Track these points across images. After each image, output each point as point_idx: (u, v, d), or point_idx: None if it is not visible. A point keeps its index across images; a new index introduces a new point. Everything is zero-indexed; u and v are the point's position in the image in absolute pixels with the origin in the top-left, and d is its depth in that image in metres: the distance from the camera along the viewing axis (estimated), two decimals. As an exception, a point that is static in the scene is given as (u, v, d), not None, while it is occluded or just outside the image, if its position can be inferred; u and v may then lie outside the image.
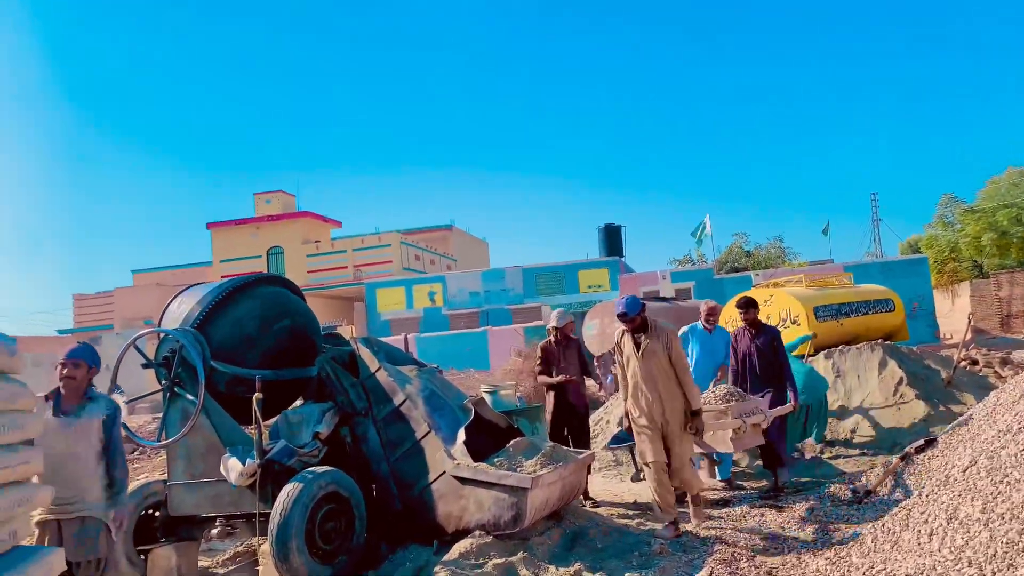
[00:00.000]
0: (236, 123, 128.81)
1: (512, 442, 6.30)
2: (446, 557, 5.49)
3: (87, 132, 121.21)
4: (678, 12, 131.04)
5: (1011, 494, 4.29)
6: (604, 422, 10.61)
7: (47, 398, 4.56)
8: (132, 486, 5.04)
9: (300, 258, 38.68)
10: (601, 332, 16.88)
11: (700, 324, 8.40)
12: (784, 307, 12.64)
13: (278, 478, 5.80)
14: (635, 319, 6.28)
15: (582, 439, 7.82)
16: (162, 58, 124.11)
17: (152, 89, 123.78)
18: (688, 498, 6.49)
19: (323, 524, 5.59)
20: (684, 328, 8.65)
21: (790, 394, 7.48)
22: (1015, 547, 3.83)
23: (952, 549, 4.12)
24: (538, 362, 8.17)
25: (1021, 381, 6.22)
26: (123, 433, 5.27)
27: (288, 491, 5.49)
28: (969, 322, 12.73)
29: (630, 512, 7.02)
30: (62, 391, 4.59)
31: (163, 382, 6.41)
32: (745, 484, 7.71)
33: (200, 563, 6.44)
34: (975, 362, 12.38)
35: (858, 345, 11.03)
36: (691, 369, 8.29)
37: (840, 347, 11.20)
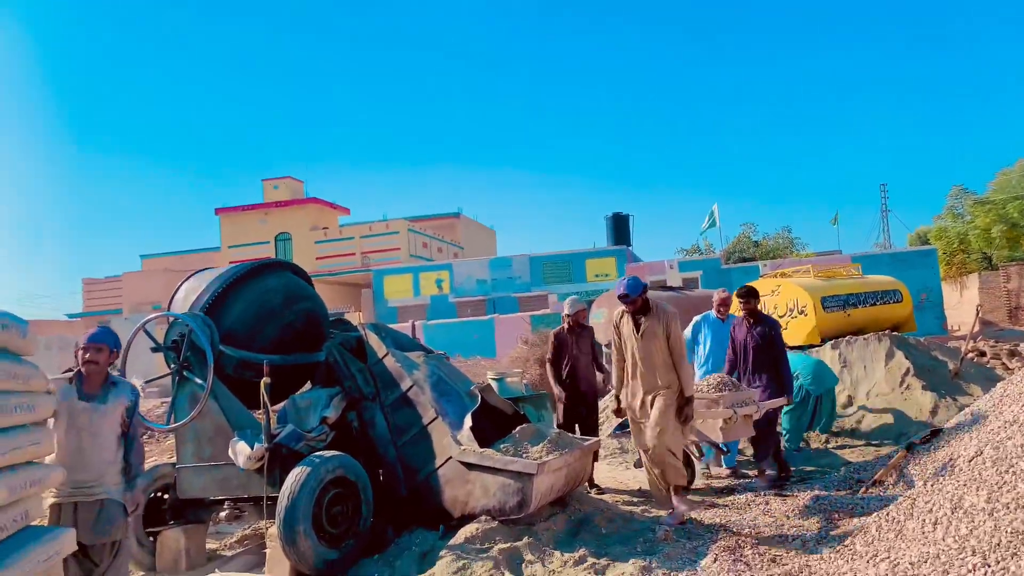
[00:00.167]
0: (245, 112, 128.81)
1: (518, 428, 6.33)
2: (452, 542, 5.53)
3: (99, 119, 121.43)
4: (687, 7, 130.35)
5: (1016, 484, 4.29)
6: (610, 410, 10.63)
7: (70, 381, 4.59)
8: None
9: (308, 244, 38.75)
10: (608, 320, 16.87)
11: (712, 313, 8.39)
12: (791, 297, 12.62)
13: (286, 462, 5.85)
14: (636, 300, 6.19)
15: (590, 427, 7.85)
16: (174, 49, 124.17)
17: (164, 78, 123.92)
18: (669, 489, 6.24)
19: (330, 508, 5.64)
20: (697, 317, 8.64)
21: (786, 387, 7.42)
22: (1020, 536, 3.83)
23: (956, 538, 4.14)
24: (551, 349, 8.18)
25: (1028, 372, 6.21)
26: None
27: (296, 475, 5.54)
28: (977, 314, 12.71)
29: (635, 499, 7.05)
30: (84, 375, 4.61)
31: (172, 366, 6.46)
32: (750, 473, 7.73)
33: (208, 545, 6.50)
34: (983, 354, 12.38)
35: (865, 336, 11.02)
36: (704, 358, 8.31)
37: (847, 337, 11.19)
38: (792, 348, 11.48)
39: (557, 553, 5.37)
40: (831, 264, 17.36)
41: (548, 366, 8.25)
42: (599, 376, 8.54)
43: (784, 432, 9.02)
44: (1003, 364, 11.99)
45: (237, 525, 6.89)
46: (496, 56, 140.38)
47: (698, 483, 7.54)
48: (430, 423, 6.28)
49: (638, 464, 7.93)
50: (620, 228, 34.47)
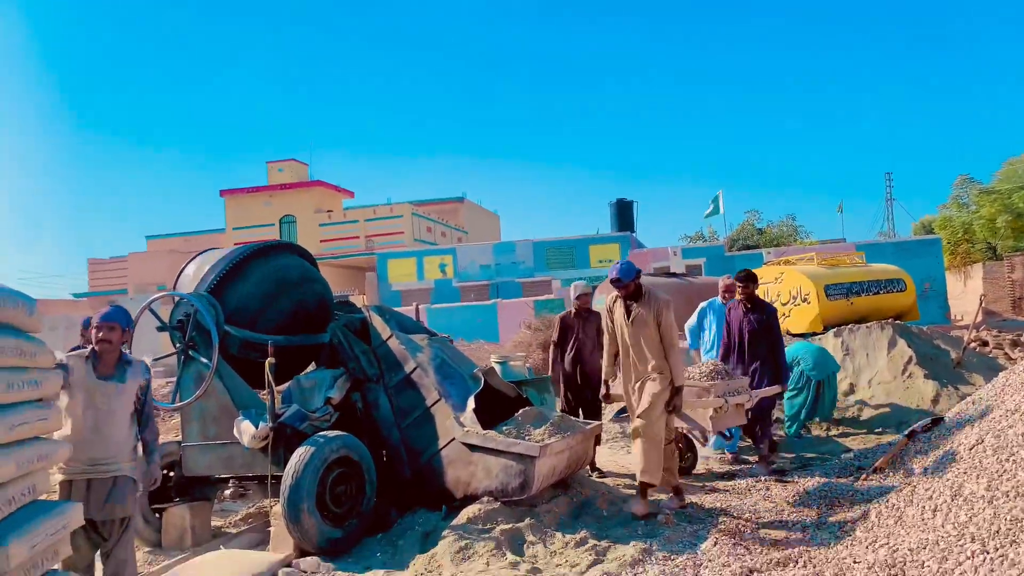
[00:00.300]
0: (250, 94, 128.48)
1: (521, 411, 6.36)
2: (454, 522, 5.58)
3: (105, 101, 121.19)
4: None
5: (1017, 472, 4.31)
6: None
7: (86, 359, 4.62)
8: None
9: (313, 227, 38.76)
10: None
11: (719, 299, 8.38)
12: (794, 285, 12.64)
13: (290, 442, 5.89)
14: (629, 286, 6.06)
15: (593, 411, 7.87)
16: (181, 31, 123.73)
17: (171, 61, 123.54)
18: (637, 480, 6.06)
19: (334, 487, 5.67)
20: (703, 303, 8.64)
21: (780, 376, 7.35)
22: (1019, 524, 3.86)
23: (956, 525, 4.16)
24: (556, 333, 8.20)
25: (1031, 362, 6.22)
26: None
27: (300, 454, 5.58)
28: (981, 303, 12.71)
29: (636, 483, 7.07)
30: (98, 353, 4.64)
31: (177, 345, 6.49)
32: (751, 459, 7.76)
33: (213, 523, 6.56)
34: (985, 343, 12.39)
35: (868, 324, 11.02)
36: (710, 344, 8.29)
37: (850, 326, 11.20)
38: (795, 336, 11.51)
39: (558, 535, 5.41)
40: (835, 252, 17.34)
41: (552, 349, 8.26)
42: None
43: (785, 419, 9.05)
44: (1005, 354, 12.01)
45: (241, 503, 6.95)
46: (501, 42, 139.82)
47: (699, 468, 7.58)
48: (433, 405, 6.31)
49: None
50: (624, 214, 34.38)
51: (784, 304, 12.66)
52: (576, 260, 31.19)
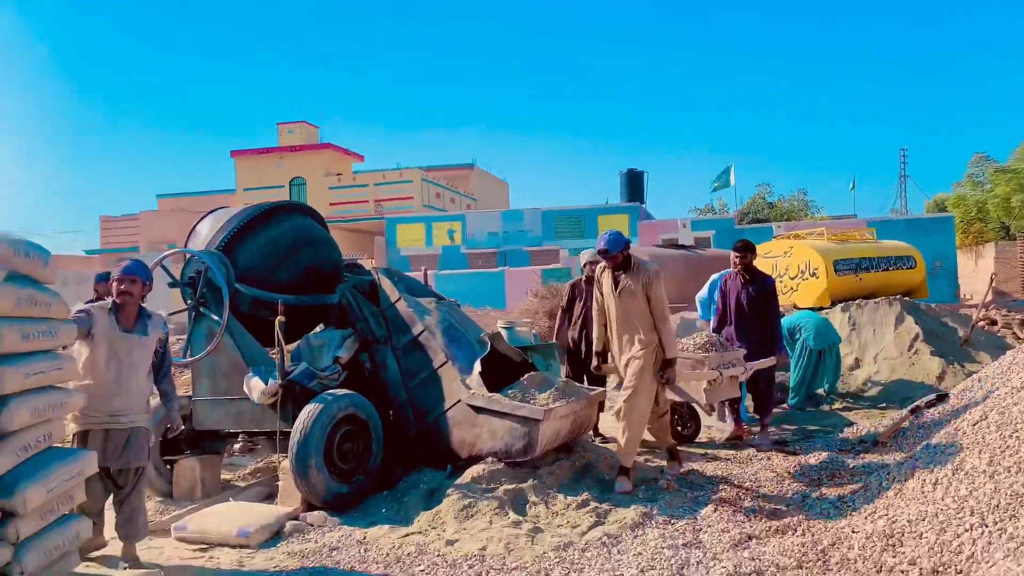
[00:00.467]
0: (261, 54, 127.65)
1: (526, 376, 6.42)
2: (459, 481, 5.66)
3: (118, 59, 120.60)
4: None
5: (1019, 448, 4.34)
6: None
7: (109, 311, 4.69)
8: (155, 401, 5.22)
9: (322, 190, 38.74)
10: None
11: (731, 271, 8.31)
12: (803, 259, 12.62)
13: (299, 399, 5.97)
14: (616, 256, 5.91)
15: (598, 378, 7.92)
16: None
17: (183, 21, 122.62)
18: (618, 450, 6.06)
19: (341, 444, 5.76)
20: (715, 275, 8.59)
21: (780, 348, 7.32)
22: (1019, 499, 3.89)
23: (956, 498, 4.21)
24: (565, 299, 8.22)
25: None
26: None
27: (309, 411, 5.65)
28: (991, 282, 12.68)
29: (639, 449, 7.14)
30: (119, 306, 4.71)
31: (188, 302, 6.56)
32: (754, 429, 7.81)
33: (222, 476, 6.66)
34: (994, 322, 12.37)
35: (876, 300, 11.01)
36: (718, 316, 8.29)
37: (857, 301, 11.19)
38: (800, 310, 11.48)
39: (560, 496, 5.49)
40: (846, 228, 17.27)
41: (560, 314, 8.29)
42: None
43: (790, 390, 9.10)
44: (1014, 333, 11.99)
45: (250, 458, 7.05)
46: (513, 8, 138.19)
47: (701, 437, 7.64)
48: (440, 367, 6.38)
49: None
50: (634, 185, 34.25)
51: (792, 278, 12.66)
52: (584, 230, 31.12)
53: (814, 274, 12.40)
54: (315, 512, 5.50)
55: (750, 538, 4.63)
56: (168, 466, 6.38)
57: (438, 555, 4.64)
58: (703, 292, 8.82)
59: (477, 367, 6.29)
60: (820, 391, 9.29)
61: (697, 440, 7.57)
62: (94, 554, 4.81)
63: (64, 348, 4.21)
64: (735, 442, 7.17)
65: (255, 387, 6.00)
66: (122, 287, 4.67)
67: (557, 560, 4.44)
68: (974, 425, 5.03)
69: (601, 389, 6.98)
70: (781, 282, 12.58)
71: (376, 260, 32.32)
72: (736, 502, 5.39)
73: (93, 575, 4.52)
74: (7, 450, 3.32)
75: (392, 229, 33.12)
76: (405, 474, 6.14)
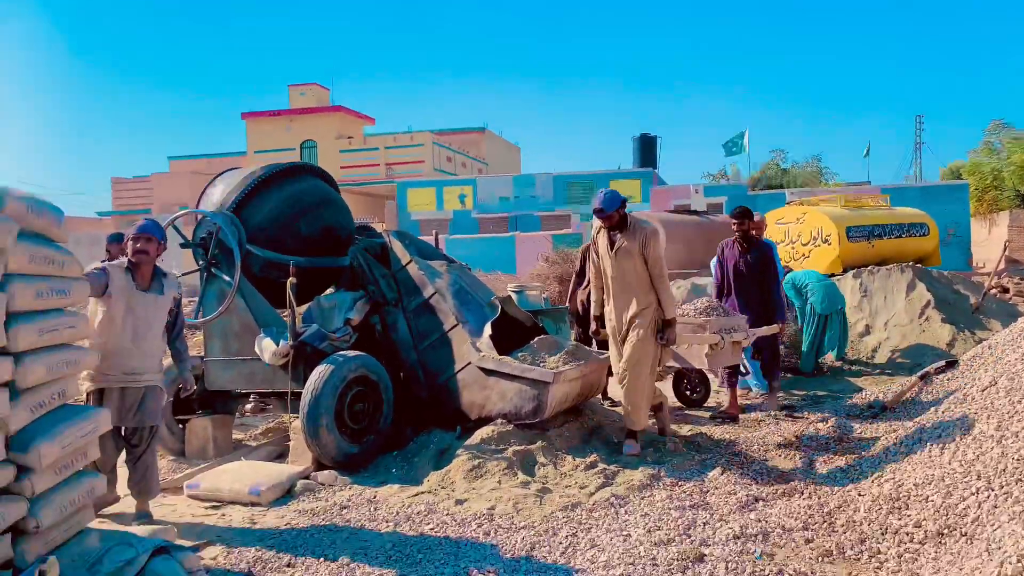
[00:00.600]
0: (273, 16, 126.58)
1: (536, 339, 6.44)
2: (468, 442, 5.72)
3: (129, 21, 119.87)
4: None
5: (1028, 413, 4.34)
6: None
7: (126, 270, 4.72)
8: (167, 361, 5.27)
9: (333, 153, 38.60)
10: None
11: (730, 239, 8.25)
12: (816, 225, 12.52)
13: (310, 360, 6.01)
14: (612, 216, 5.75)
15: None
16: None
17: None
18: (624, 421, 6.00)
19: (352, 405, 5.82)
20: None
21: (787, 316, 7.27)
22: (1025, 463, 3.90)
23: (962, 463, 4.22)
24: (578, 263, 8.20)
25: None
26: None
27: (320, 372, 5.70)
28: (1004, 250, 12.58)
29: (645, 421, 7.17)
30: (135, 264, 4.74)
31: (200, 263, 6.59)
32: (760, 395, 7.82)
33: (234, 436, 6.75)
34: (1006, 290, 12.30)
35: (888, 266, 10.96)
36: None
37: (869, 267, 11.14)
38: None
39: (569, 458, 5.54)
40: (859, 194, 17.11)
41: (574, 279, 8.27)
42: None
43: (802, 356, 9.10)
44: (1026, 301, 11.92)
45: (262, 418, 7.12)
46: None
47: (710, 401, 7.67)
48: (451, 330, 6.40)
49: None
50: (647, 150, 33.93)
51: (805, 244, 12.58)
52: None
53: (826, 240, 12.32)
54: (326, 471, 5.57)
55: (757, 500, 4.67)
56: (180, 425, 6.46)
57: (447, 514, 4.70)
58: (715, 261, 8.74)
59: (487, 330, 6.31)
60: (828, 356, 9.29)
61: (706, 404, 7.60)
62: (107, 510, 4.90)
63: (77, 307, 4.25)
64: (727, 419, 6.97)
65: (267, 348, 6.04)
66: (138, 245, 4.70)
67: (565, 520, 4.49)
68: (983, 391, 5.03)
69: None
70: (793, 248, 12.52)
71: (387, 224, 32.28)
72: (743, 465, 5.43)
73: (107, 531, 4.60)
74: (22, 406, 3.35)
75: (403, 193, 33.04)
76: (415, 435, 6.20)
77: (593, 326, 6.25)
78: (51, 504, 3.37)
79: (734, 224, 7.29)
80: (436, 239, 8.02)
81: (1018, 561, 2.90)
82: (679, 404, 7.65)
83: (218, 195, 6.80)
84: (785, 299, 8.94)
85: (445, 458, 5.64)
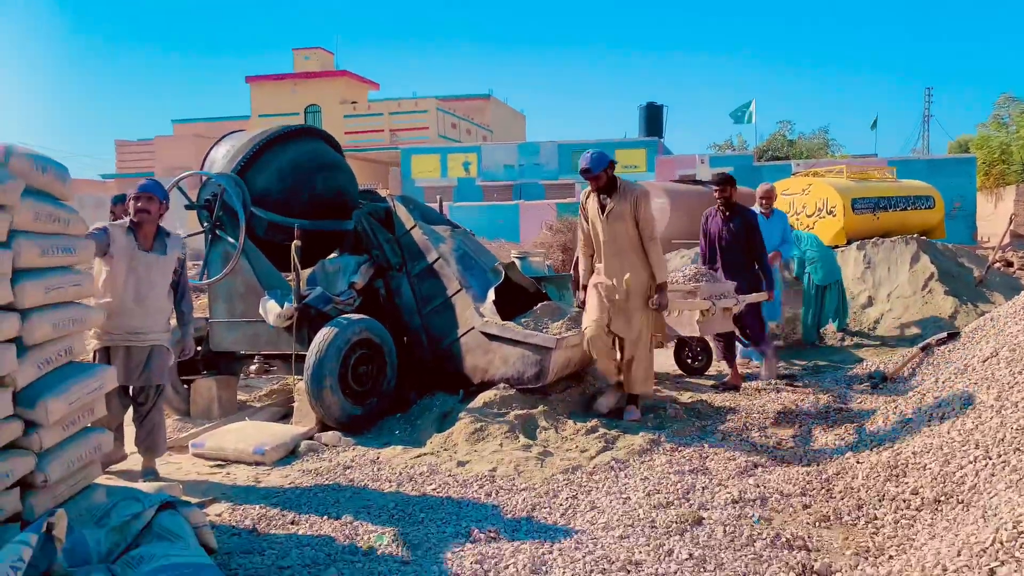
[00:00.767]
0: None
1: (539, 305, 6.47)
2: (471, 405, 5.77)
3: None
4: None
5: (1028, 384, 4.36)
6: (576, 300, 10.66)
7: (127, 229, 4.72)
8: (173, 322, 5.30)
9: (337, 118, 38.38)
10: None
11: (757, 209, 8.11)
12: (821, 197, 12.47)
13: (314, 322, 6.04)
14: (600, 177, 5.59)
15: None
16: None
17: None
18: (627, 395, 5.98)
19: (356, 367, 5.85)
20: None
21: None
22: (1024, 433, 3.92)
23: (961, 432, 4.24)
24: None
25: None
26: None
27: (324, 334, 5.73)
28: (1010, 223, 12.53)
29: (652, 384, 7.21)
30: (136, 224, 4.74)
31: (205, 224, 6.59)
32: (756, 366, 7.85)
33: (238, 397, 6.80)
34: (1010, 264, 12.29)
35: (892, 238, 10.93)
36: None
37: (873, 239, 11.11)
38: None
39: (570, 422, 5.59)
40: (866, 167, 17.02)
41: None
42: None
43: (801, 326, 9.12)
44: (1030, 275, 11.91)
45: (266, 380, 7.17)
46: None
47: (711, 371, 7.70)
48: (454, 295, 6.43)
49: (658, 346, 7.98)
50: (653, 119, 33.70)
51: (809, 216, 12.54)
52: (602, 164, 30.74)
53: (831, 212, 12.27)
54: (329, 432, 5.62)
55: (755, 466, 4.71)
56: (185, 385, 6.51)
57: (449, 475, 4.75)
58: None
59: (491, 295, 6.33)
60: (829, 326, 9.32)
61: (707, 373, 7.63)
62: (115, 467, 4.95)
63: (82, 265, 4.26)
64: (729, 388, 6.92)
65: (271, 310, 6.07)
66: (139, 205, 4.70)
67: (566, 482, 4.54)
68: (984, 361, 5.05)
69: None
70: (797, 220, 12.47)
71: (391, 191, 32.23)
72: (743, 432, 5.47)
73: (114, 486, 4.66)
74: (29, 362, 3.37)
75: (407, 160, 32.91)
76: (418, 398, 6.25)
77: (580, 296, 6.00)
78: (59, 459, 3.41)
79: (716, 191, 7.15)
80: (440, 205, 8.00)
81: (1014, 527, 2.93)
82: (680, 372, 7.68)
83: (223, 157, 6.79)
84: (788, 266, 8.94)
85: (448, 421, 5.70)
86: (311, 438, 5.56)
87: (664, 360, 7.87)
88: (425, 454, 5.18)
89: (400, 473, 4.82)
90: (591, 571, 3.30)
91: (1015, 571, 2.73)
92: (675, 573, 3.27)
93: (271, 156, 6.69)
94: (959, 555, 2.94)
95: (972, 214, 25.39)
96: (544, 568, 3.39)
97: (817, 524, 3.84)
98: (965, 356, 5.68)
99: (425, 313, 6.54)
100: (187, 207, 6.76)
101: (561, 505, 4.19)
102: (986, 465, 3.80)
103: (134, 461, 5.01)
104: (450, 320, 6.39)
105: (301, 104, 39.42)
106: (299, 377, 5.87)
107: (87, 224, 4.17)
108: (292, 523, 4.06)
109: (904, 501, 3.88)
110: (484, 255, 7.05)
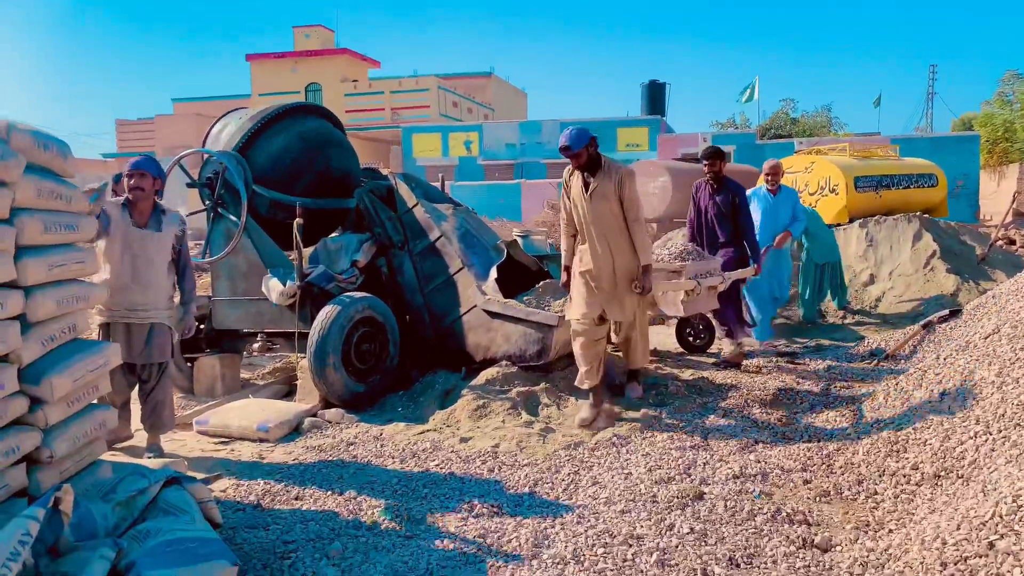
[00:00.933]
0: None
1: (541, 283, 6.48)
2: (473, 382, 5.80)
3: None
4: None
5: (1029, 360, 4.36)
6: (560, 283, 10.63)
7: (123, 206, 4.73)
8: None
9: (338, 97, 38.23)
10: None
11: (764, 187, 8.04)
12: (824, 175, 12.44)
13: (317, 301, 6.06)
14: (580, 154, 5.26)
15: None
16: None
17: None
18: (626, 371, 5.92)
19: (359, 345, 5.88)
20: (748, 191, 8.41)
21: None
22: (1024, 409, 3.93)
23: (962, 408, 4.26)
24: None
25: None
26: None
27: (327, 312, 5.74)
28: (1012, 201, 12.50)
29: (649, 357, 7.23)
30: (131, 201, 4.75)
31: (207, 202, 6.58)
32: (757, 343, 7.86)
33: (242, 375, 6.83)
34: (1012, 242, 12.27)
35: (895, 216, 10.91)
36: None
37: (876, 217, 11.09)
38: None
39: (572, 399, 5.61)
40: (868, 145, 16.94)
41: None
42: None
43: (800, 304, 9.12)
44: (1032, 253, 11.89)
45: (269, 358, 7.19)
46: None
47: (712, 348, 7.71)
48: (456, 273, 6.43)
49: (664, 321, 7.96)
50: (655, 97, 33.54)
51: (812, 194, 12.50)
52: (603, 143, 30.33)
53: (834, 190, 12.24)
54: (332, 409, 5.65)
55: (756, 442, 4.74)
56: (189, 363, 6.53)
57: (452, 451, 4.78)
58: None
59: (493, 273, 6.34)
60: (829, 303, 9.33)
61: (709, 351, 7.64)
62: (120, 446, 4.98)
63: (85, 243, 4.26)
64: (731, 366, 6.89)
65: (273, 288, 6.08)
66: (132, 182, 4.71)
67: (567, 458, 4.57)
68: (986, 338, 5.05)
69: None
70: (800, 198, 12.44)
71: (392, 170, 32.14)
72: (744, 408, 5.49)
73: (119, 463, 4.69)
74: (33, 339, 3.38)
75: (408, 139, 32.80)
76: (421, 376, 6.28)
77: (563, 277, 5.70)
78: (64, 435, 3.43)
79: (705, 165, 7.04)
80: (442, 184, 7.99)
81: (1013, 501, 2.95)
82: (681, 349, 7.70)
83: (224, 135, 6.77)
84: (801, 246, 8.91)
85: (450, 398, 5.73)
86: (314, 415, 5.59)
87: (666, 338, 7.89)
88: (428, 430, 5.21)
89: (403, 449, 4.85)
90: (593, 545, 3.33)
91: (1014, 544, 2.75)
92: (676, 547, 3.30)
93: (273, 134, 6.68)
94: (959, 529, 2.96)
95: (975, 192, 25.31)
96: (546, 542, 3.42)
97: (817, 499, 3.86)
98: (967, 333, 5.69)
99: (427, 291, 6.55)
100: (189, 185, 6.75)
101: (563, 480, 4.22)
102: (986, 440, 3.82)
103: (140, 439, 5.04)
104: (452, 298, 6.41)
105: (302, 83, 39.26)
106: (302, 355, 5.89)
107: (89, 201, 4.17)
108: (296, 499, 4.10)
109: (904, 476, 3.90)
110: (486, 233, 7.05)
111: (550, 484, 4.18)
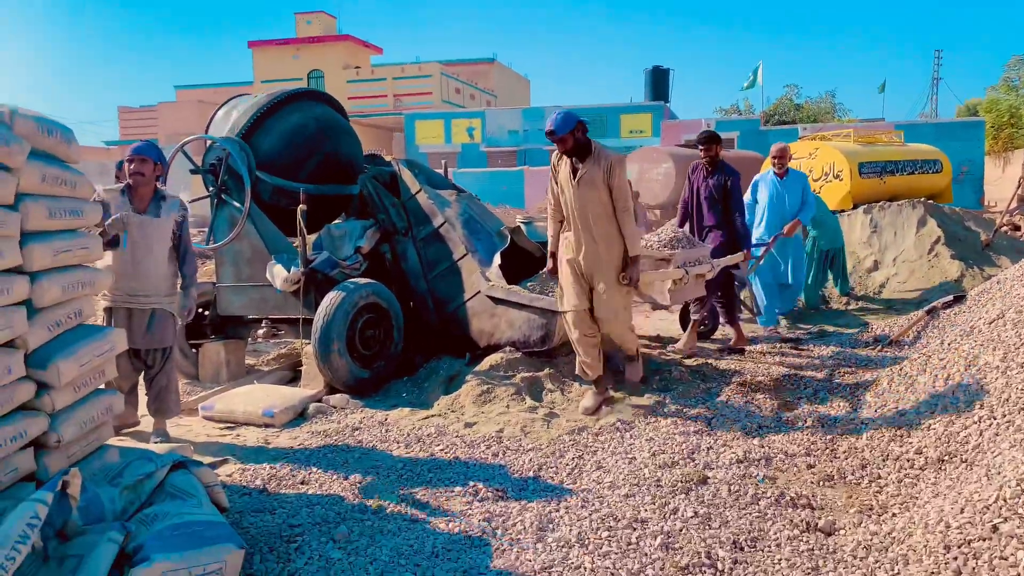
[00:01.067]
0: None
1: (545, 269, 6.46)
2: (477, 368, 5.81)
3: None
4: None
5: (1034, 345, 4.36)
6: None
7: (122, 192, 4.73)
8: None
9: (340, 83, 38.12)
10: (639, 178, 16.73)
11: (771, 171, 7.97)
12: (828, 161, 12.40)
13: (321, 287, 6.07)
14: (566, 139, 5.04)
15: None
16: None
17: None
18: (623, 357, 5.73)
19: (363, 331, 5.89)
20: (756, 176, 8.37)
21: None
22: (1028, 393, 3.93)
23: (966, 392, 4.26)
24: None
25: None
26: None
27: (331, 298, 5.75)
28: (1018, 187, 12.44)
29: (652, 344, 7.25)
30: (132, 187, 4.75)
31: (210, 189, 6.58)
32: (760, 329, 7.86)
33: (246, 361, 6.84)
34: (1017, 228, 12.23)
35: (899, 202, 10.88)
36: (759, 218, 7.84)
37: (880, 203, 11.06)
38: None
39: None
40: (873, 130, 16.87)
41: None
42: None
43: (800, 293, 9.11)
44: (1037, 239, 11.85)
45: (273, 344, 7.21)
46: None
47: (716, 334, 7.71)
48: (460, 259, 6.44)
49: (655, 308, 7.92)
50: (659, 83, 33.40)
51: (816, 180, 12.47)
52: (607, 129, 30.60)
53: (838, 176, 12.21)
54: (337, 395, 5.67)
55: (760, 427, 4.75)
56: (193, 349, 6.55)
57: (457, 436, 4.80)
58: (747, 196, 8.46)
59: (496, 259, 6.35)
60: (832, 288, 9.33)
61: (713, 337, 7.64)
62: (127, 431, 5.01)
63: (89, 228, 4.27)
64: (735, 352, 6.86)
65: (278, 274, 6.09)
66: (132, 167, 4.72)
67: (571, 443, 4.59)
68: (990, 323, 5.05)
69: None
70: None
71: (395, 157, 32.10)
72: (748, 394, 5.49)
73: (126, 447, 4.72)
74: (39, 324, 3.40)
75: (411, 125, 32.75)
76: (425, 362, 6.29)
77: (549, 264, 5.51)
78: (71, 420, 3.45)
79: (701, 150, 7.03)
80: (445, 170, 7.98)
81: (1017, 485, 2.95)
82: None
83: (227, 121, 6.76)
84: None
85: (455, 384, 5.74)
86: (319, 401, 5.61)
87: (670, 324, 7.89)
88: (433, 416, 5.22)
89: (408, 434, 4.87)
90: (597, 528, 3.34)
91: (1018, 527, 2.76)
92: (680, 531, 3.31)
93: (276, 120, 6.67)
94: (962, 512, 2.97)
95: (980, 178, 25.24)
96: (551, 525, 3.44)
97: (821, 483, 3.88)
98: (971, 319, 5.68)
99: (431, 277, 6.56)
100: (192, 172, 6.75)
101: (567, 465, 4.24)
102: (991, 425, 3.82)
103: (147, 425, 5.07)
104: (456, 284, 6.41)
105: (304, 69, 39.16)
106: (306, 341, 5.90)
107: (94, 186, 4.18)
108: (302, 483, 4.12)
109: (908, 460, 3.91)
110: (490, 219, 7.05)
111: (554, 468, 4.20)
